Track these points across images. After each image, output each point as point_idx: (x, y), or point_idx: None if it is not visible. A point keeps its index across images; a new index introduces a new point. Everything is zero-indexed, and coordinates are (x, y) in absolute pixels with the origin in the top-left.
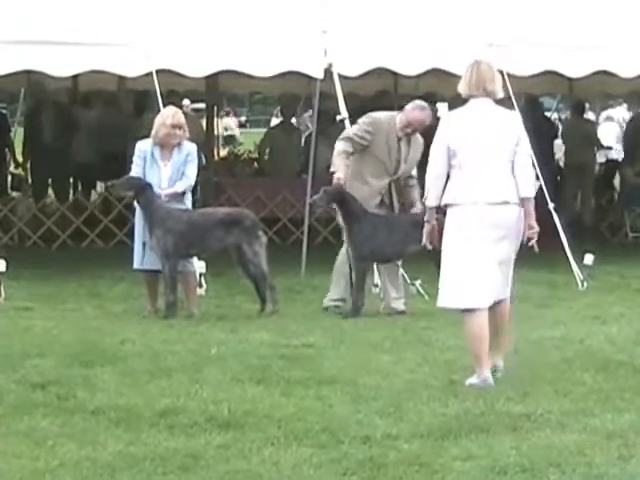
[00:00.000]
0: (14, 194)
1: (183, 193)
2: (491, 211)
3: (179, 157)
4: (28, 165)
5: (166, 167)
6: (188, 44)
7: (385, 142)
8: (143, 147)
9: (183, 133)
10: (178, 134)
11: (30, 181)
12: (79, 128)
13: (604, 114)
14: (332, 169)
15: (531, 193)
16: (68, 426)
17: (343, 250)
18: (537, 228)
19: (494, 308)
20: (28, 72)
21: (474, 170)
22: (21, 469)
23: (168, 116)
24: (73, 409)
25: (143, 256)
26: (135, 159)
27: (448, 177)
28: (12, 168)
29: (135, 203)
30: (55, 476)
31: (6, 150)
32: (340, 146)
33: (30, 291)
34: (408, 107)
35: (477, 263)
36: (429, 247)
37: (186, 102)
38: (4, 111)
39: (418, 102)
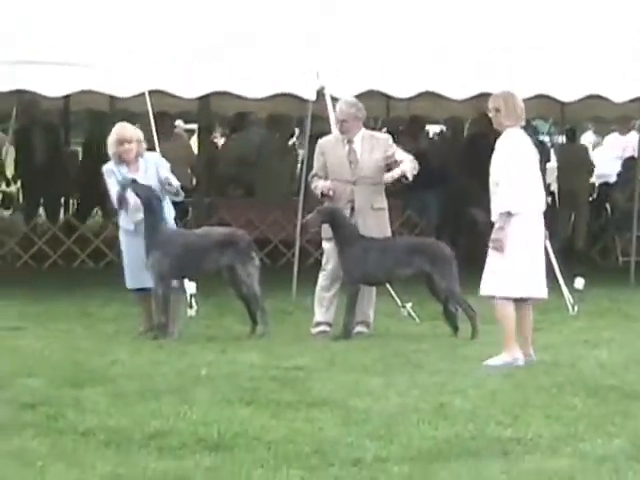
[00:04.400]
0: (4, 212)
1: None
2: (541, 219)
3: (147, 167)
4: (19, 184)
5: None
6: (180, 65)
7: (334, 154)
8: (109, 168)
9: (136, 145)
10: (129, 148)
11: (21, 200)
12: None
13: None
14: (316, 191)
15: None
16: (58, 447)
17: (323, 276)
18: None
19: (529, 302)
20: (19, 91)
21: (533, 184)
22: None
23: (114, 134)
24: (63, 430)
25: (136, 275)
26: (109, 180)
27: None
28: (3, 186)
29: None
30: None
31: None
32: (313, 182)
33: (20, 310)
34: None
35: (535, 260)
36: (500, 252)
37: (179, 123)
38: None
39: (345, 98)
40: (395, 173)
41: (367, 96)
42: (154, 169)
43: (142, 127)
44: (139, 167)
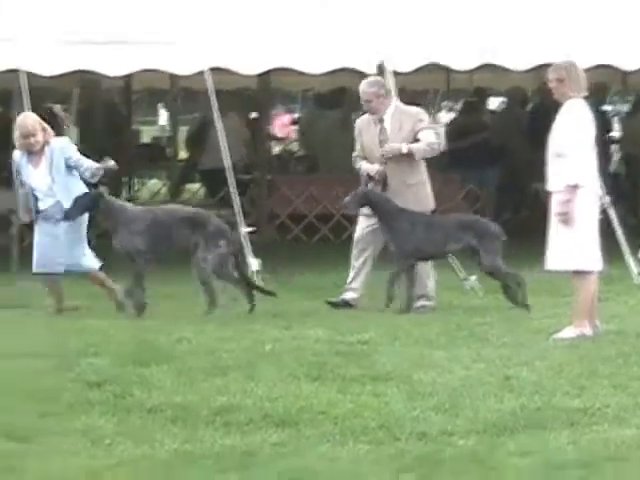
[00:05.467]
0: None
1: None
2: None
3: (52, 157)
4: None
5: (37, 170)
6: (240, 42)
7: (367, 134)
8: (16, 157)
9: (41, 136)
10: (33, 141)
11: None
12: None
13: None
14: (361, 173)
15: None
16: (125, 424)
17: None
18: None
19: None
20: (80, 72)
21: (593, 158)
22: (78, 468)
23: (17, 127)
24: (129, 407)
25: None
26: (15, 170)
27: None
28: None
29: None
30: (113, 475)
31: None
32: (357, 163)
33: (87, 289)
34: None
35: (596, 232)
36: (567, 225)
37: None
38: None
39: (366, 79)
40: (394, 147)
41: (427, 69)
42: (60, 156)
43: (203, 104)
44: (43, 157)
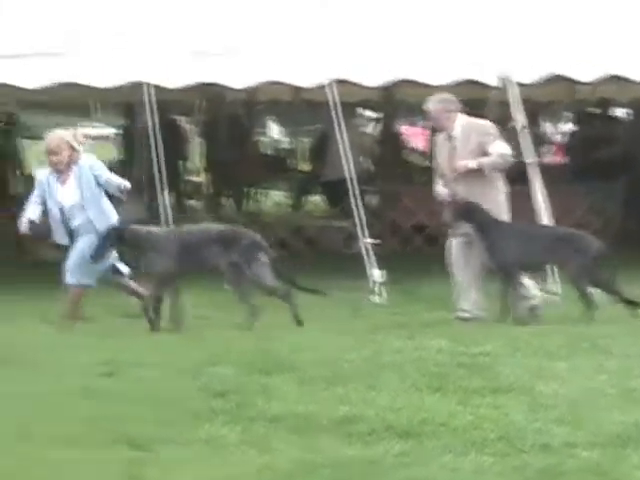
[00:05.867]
0: (190, 202)
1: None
2: None
3: (80, 174)
4: (207, 175)
5: (65, 187)
6: (364, 54)
7: (439, 151)
8: (41, 175)
9: (61, 155)
10: (57, 160)
11: (210, 190)
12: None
13: None
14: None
15: None
16: (248, 433)
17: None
18: None
19: None
20: (205, 84)
21: None
22: (200, 477)
23: (44, 144)
24: (252, 417)
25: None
26: (36, 190)
27: None
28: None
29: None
30: None
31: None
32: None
33: (208, 300)
34: None
35: None
36: None
37: (366, 112)
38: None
39: (432, 97)
40: (469, 163)
41: (551, 81)
42: (89, 175)
43: (324, 116)
44: (70, 176)
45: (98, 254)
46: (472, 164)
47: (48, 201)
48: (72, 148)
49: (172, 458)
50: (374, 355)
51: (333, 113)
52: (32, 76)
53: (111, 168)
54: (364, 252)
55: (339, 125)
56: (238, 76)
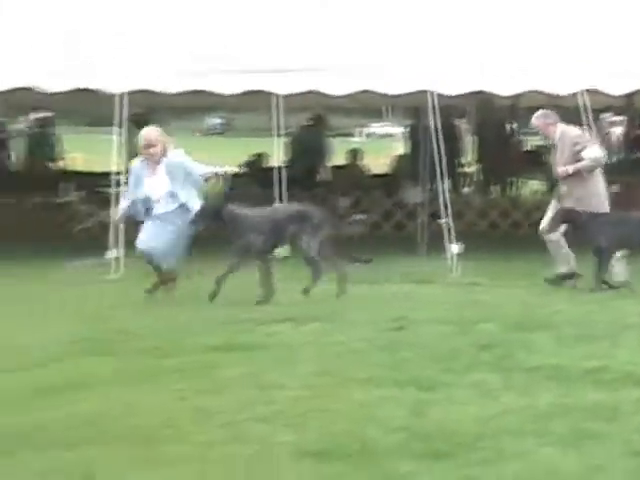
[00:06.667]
0: (464, 189)
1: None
2: None
3: (170, 170)
4: (478, 167)
5: (154, 177)
6: (606, 64)
7: (552, 154)
8: (135, 165)
9: (157, 148)
10: (153, 151)
11: (480, 179)
12: None
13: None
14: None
15: None
16: (508, 380)
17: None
18: None
19: None
20: (477, 92)
21: None
22: (468, 415)
23: (140, 137)
24: (512, 367)
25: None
26: (130, 177)
27: None
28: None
29: None
30: (499, 421)
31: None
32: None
33: (479, 269)
34: None
35: None
36: None
37: (606, 115)
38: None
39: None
40: (562, 170)
41: None
42: (179, 165)
43: (572, 119)
44: (160, 168)
45: (198, 219)
46: (570, 170)
47: (138, 189)
48: (164, 142)
49: (449, 399)
50: (616, 318)
51: (584, 117)
52: (336, 84)
53: None
54: None
55: (589, 127)
56: (505, 85)
